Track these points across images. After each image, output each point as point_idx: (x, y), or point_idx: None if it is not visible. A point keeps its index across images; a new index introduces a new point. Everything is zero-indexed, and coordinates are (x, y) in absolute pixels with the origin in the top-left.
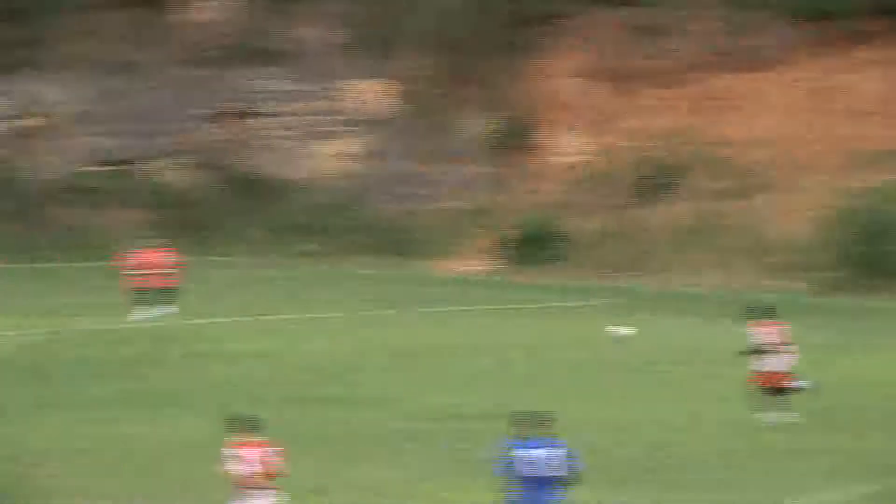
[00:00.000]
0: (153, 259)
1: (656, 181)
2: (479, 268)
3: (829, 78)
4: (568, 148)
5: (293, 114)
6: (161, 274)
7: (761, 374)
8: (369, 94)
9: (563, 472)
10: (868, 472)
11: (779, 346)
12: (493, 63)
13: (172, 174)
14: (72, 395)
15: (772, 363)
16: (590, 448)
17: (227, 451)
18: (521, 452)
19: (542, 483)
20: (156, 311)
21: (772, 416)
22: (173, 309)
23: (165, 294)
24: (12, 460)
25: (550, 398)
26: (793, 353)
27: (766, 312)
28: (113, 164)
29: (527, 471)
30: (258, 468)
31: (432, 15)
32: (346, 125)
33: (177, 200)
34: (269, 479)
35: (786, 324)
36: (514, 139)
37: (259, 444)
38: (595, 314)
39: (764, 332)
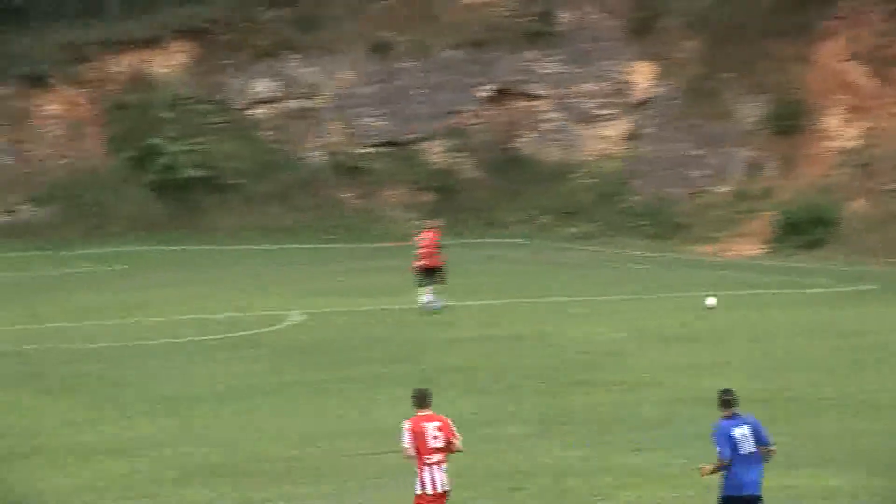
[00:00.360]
0: (427, 240)
1: None
2: (752, 252)
3: None
4: (840, 131)
5: (565, 96)
6: (432, 255)
7: None
8: (641, 76)
9: (757, 447)
10: None
11: None
12: (764, 45)
13: (444, 156)
14: (360, 374)
15: None
16: None
17: (405, 426)
18: (735, 431)
19: (750, 459)
20: (430, 294)
21: None
22: (442, 291)
23: (435, 275)
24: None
25: (834, 382)
26: None
27: None
28: (383, 146)
29: (742, 448)
30: (436, 443)
31: None
32: (618, 108)
33: (447, 182)
34: (444, 454)
35: None
36: (786, 122)
37: (434, 419)
38: (871, 299)
39: None
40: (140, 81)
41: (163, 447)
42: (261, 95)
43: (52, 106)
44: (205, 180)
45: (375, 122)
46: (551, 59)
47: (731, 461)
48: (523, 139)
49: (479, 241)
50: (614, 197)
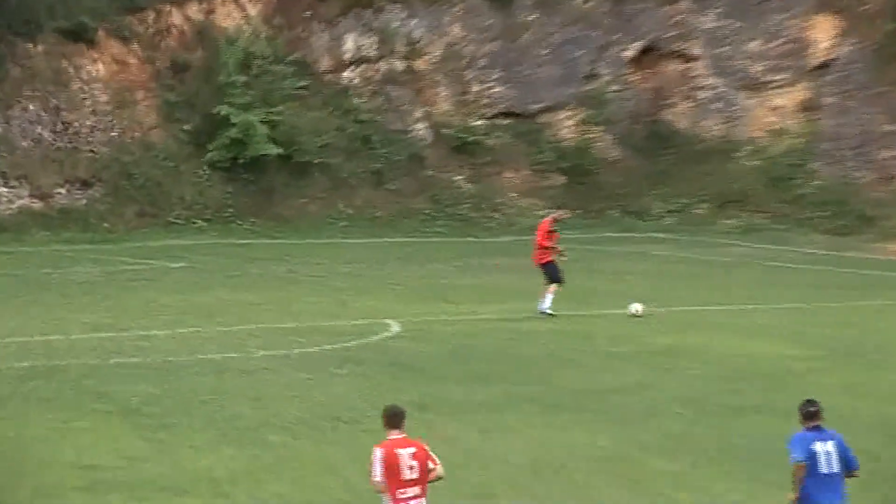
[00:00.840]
0: (542, 230)
1: None
2: None
3: None
4: None
5: (727, 57)
6: (539, 248)
7: None
8: (822, 33)
9: (842, 467)
10: None
11: None
12: None
13: (576, 131)
14: (474, 396)
15: None
16: None
17: (376, 453)
18: (816, 445)
19: (830, 481)
20: (548, 299)
21: None
22: (553, 292)
23: (548, 272)
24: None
25: None
26: None
27: None
28: (502, 117)
29: (822, 466)
30: (411, 475)
31: None
32: (793, 72)
33: (580, 163)
34: (422, 485)
35: None
36: None
37: (409, 444)
38: None
39: None
40: (204, 37)
41: (231, 485)
42: (352, 55)
43: (95, 67)
44: (283, 159)
45: (492, 89)
46: (710, 10)
47: (807, 479)
48: (674, 110)
49: (617, 234)
50: (786, 182)
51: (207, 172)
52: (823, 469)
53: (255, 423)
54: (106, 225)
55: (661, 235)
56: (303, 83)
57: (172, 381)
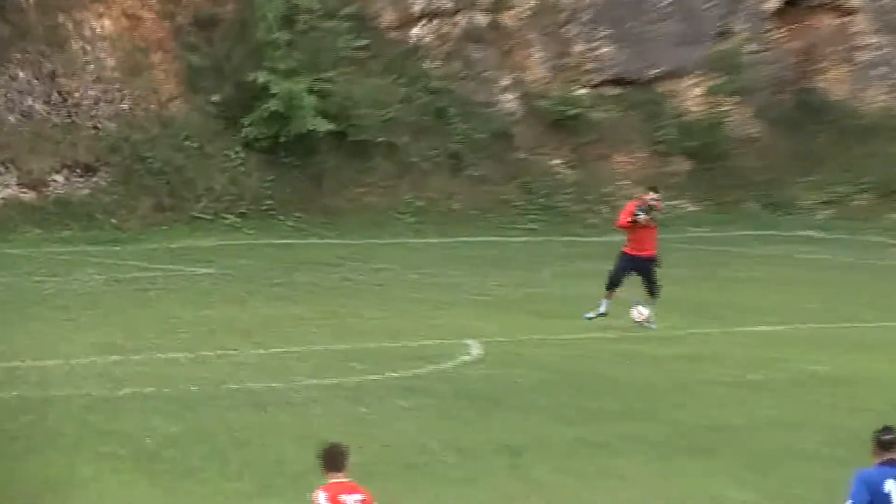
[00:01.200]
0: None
1: None
2: None
3: None
4: None
5: (892, 10)
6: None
7: None
8: None
9: None
10: None
11: None
12: None
13: (704, 102)
14: (573, 435)
15: None
16: None
17: (319, 497)
18: (888, 485)
19: None
20: (641, 305)
21: None
22: (647, 305)
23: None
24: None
25: None
26: None
27: None
28: (610, 85)
29: None
30: None
31: None
32: None
33: (709, 141)
34: None
35: None
36: None
37: (354, 489)
38: None
39: None
40: None
41: None
42: (422, 7)
43: (101, 23)
44: (335, 137)
45: (599, 50)
46: None
47: None
48: (828, 76)
49: (756, 233)
50: None
51: (241, 155)
52: None
53: (303, 470)
54: (114, 221)
55: (811, 234)
56: (360, 43)
57: (198, 417)
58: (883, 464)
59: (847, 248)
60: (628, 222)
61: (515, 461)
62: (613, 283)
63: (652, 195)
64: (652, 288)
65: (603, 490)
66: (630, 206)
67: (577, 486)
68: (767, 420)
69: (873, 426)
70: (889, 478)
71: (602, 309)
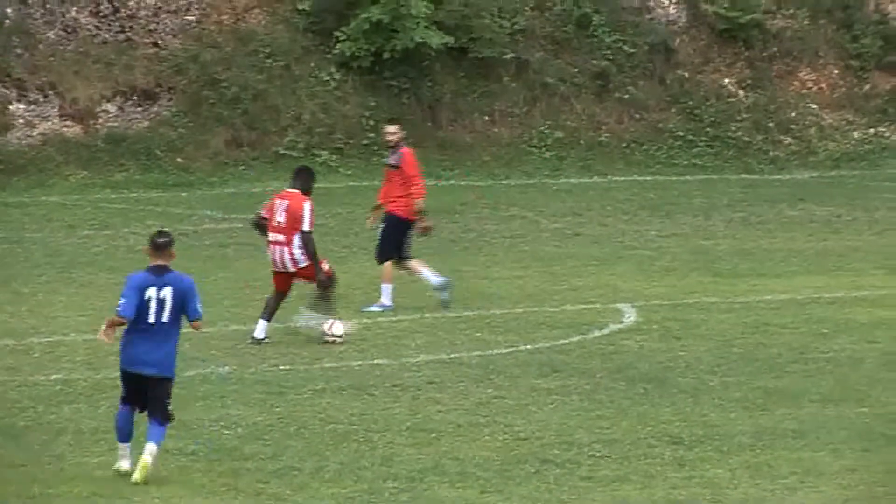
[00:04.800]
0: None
1: None
2: None
3: None
4: None
5: None
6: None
7: None
8: None
9: None
10: None
11: None
12: None
13: None
14: (760, 425)
15: None
16: None
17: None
18: None
19: None
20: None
21: None
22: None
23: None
24: None
25: None
26: None
27: None
28: None
29: None
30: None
31: None
32: None
33: None
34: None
35: None
36: None
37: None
38: None
39: None
40: None
41: None
42: None
43: None
44: (454, 53)
45: None
46: None
47: None
48: None
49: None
50: None
51: (337, 77)
52: None
53: (419, 469)
54: (180, 160)
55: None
56: None
57: (287, 404)
58: (149, 270)
59: None
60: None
61: (683, 456)
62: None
63: (390, 128)
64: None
65: (794, 490)
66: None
67: (760, 485)
68: None
69: None
70: (152, 285)
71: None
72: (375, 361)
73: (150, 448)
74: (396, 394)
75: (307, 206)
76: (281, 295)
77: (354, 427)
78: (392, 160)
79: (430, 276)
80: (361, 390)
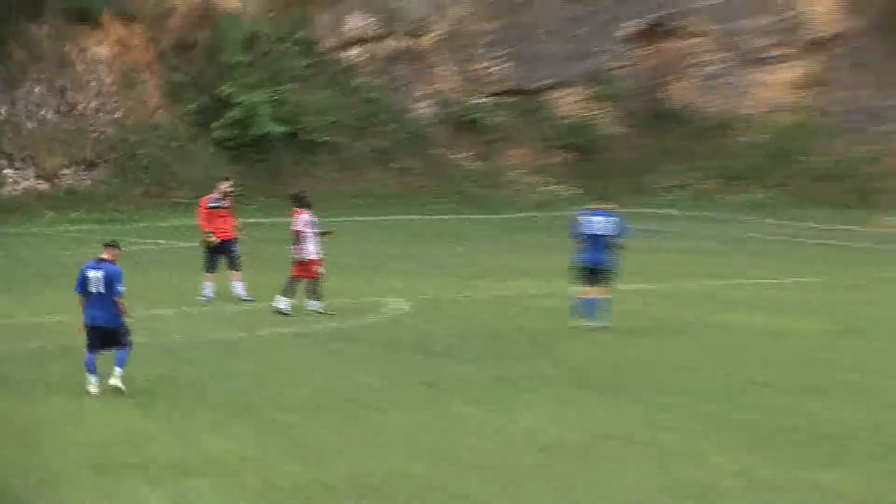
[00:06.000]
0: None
1: None
2: None
3: None
4: None
5: (728, 34)
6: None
7: None
8: (823, 6)
9: None
10: None
11: None
12: None
13: (580, 107)
14: (488, 373)
15: None
16: None
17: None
18: None
19: None
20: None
21: None
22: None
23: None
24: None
25: None
26: None
27: None
28: (506, 95)
29: None
30: None
31: None
32: (795, 47)
33: (584, 140)
34: None
35: None
36: None
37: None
38: None
39: None
40: (208, 17)
41: (242, 464)
42: (355, 33)
43: (100, 48)
44: (288, 138)
45: (496, 67)
46: None
47: None
48: (678, 86)
49: (624, 210)
50: (791, 157)
51: (213, 153)
52: None
53: (265, 404)
54: (112, 205)
55: (667, 212)
56: (306, 62)
57: (182, 363)
58: (95, 259)
59: (694, 222)
60: (206, 211)
61: (428, 394)
62: (212, 267)
63: (225, 184)
64: (234, 263)
65: (507, 416)
66: (203, 200)
67: (486, 412)
68: (632, 361)
69: (708, 367)
70: (93, 269)
71: (207, 293)
72: (239, 334)
73: (117, 371)
74: (252, 355)
75: (299, 217)
76: (298, 280)
77: (223, 377)
78: (226, 203)
79: (240, 289)
80: (230, 354)
